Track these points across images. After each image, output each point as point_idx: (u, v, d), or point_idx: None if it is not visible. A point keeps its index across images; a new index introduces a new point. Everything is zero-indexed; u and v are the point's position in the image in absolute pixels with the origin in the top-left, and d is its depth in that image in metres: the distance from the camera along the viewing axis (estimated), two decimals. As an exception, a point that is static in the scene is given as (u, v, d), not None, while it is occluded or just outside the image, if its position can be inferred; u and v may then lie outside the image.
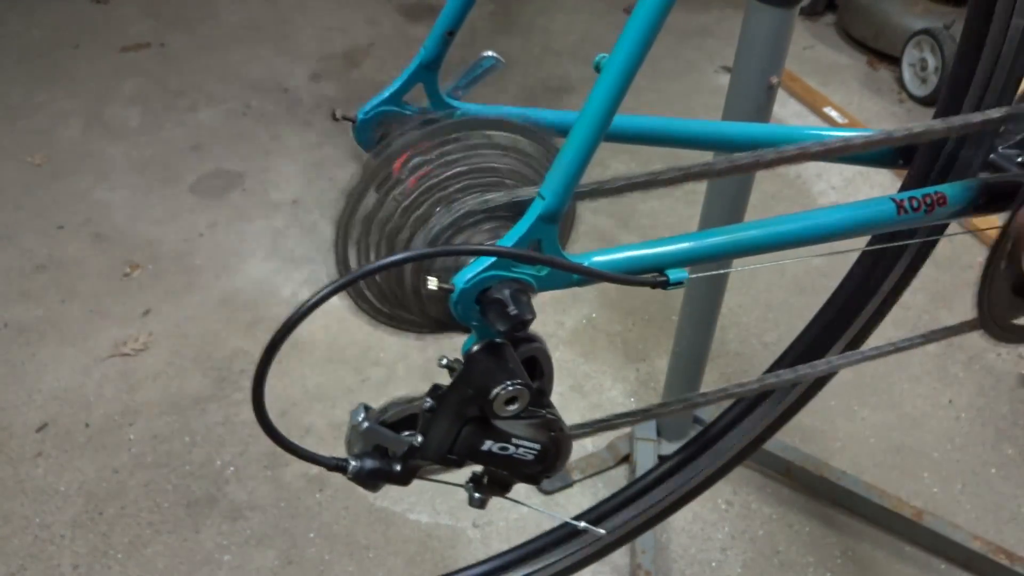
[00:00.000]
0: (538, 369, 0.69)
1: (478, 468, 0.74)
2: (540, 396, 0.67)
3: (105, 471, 1.79)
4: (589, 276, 0.69)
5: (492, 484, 0.73)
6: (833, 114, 2.99)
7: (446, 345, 0.78)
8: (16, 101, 2.99)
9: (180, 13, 3.59)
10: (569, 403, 1.95)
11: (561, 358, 2.05)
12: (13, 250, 2.36)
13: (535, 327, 0.67)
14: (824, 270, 2.26)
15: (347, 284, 0.59)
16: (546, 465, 0.72)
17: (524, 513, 1.72)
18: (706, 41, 3.49)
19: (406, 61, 0.83)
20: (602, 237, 2.45)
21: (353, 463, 0.67)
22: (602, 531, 0.96)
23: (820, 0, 3.68)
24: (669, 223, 2.51)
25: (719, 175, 0.73)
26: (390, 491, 0.72)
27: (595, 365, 2.05)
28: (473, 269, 0.64)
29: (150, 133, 2.86)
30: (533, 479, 0.73)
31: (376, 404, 0.72)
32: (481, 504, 0.75)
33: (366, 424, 0.67)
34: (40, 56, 3.27)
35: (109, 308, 2.18)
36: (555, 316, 2.16)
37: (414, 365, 2.03)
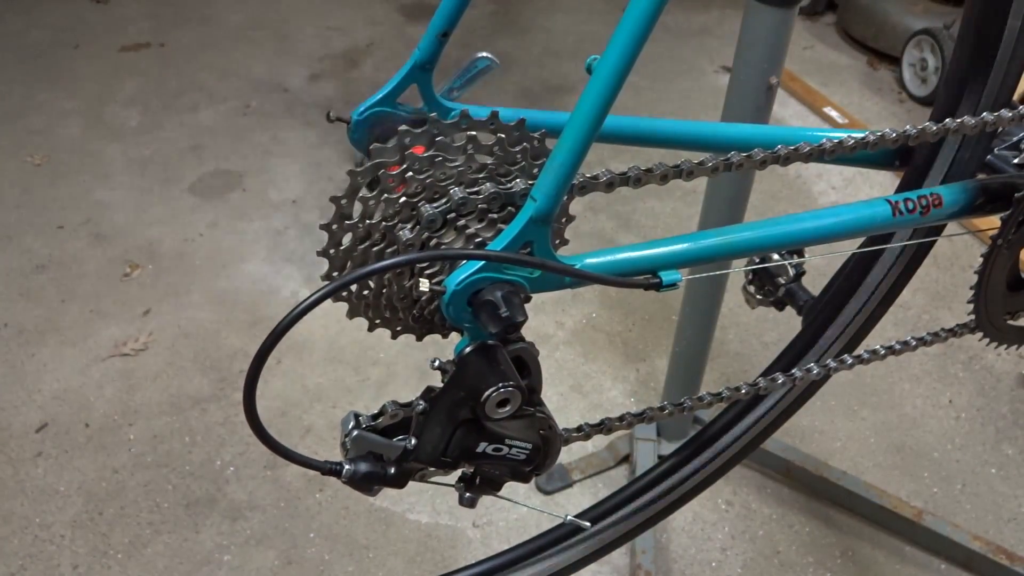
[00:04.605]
0: (526, 368, 0.69)
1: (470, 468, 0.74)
2: (530, 395, 0.67)
3: (105, 471, 1.79)
4: (581, 278, 0.69)
5: (483, 483, 0.73)
6: (833, 114, 2.99)
7: (445, 345, 0.78)
8: (16, 101, 3.00)
9: (180, 13, 3.59)
10: (569, 403, 1.95)
11: (561, 358, 2.05)
12: (13, 250, 2.36)
13: (533, 326, 0.67)
14: (824, 270, 2.25)
15: (335, 290, 0.59)
16: (537, 464, 0.72)
17: (524, 513, 1.72)
18: (706, 41, 3.49)
19: (405, 61, 0.83)
20: (602, 237, 2.44)
21: (347, 467, 0.67)
22: (587, 524, 0.96)
23: (820, 0, 3.67)
24: (670, 224, 2.51)
25: (710, 173, 0.73)
26: (389, 491, 0.72)
27: (595, 365, 2.05)
28: (464, 271, 0.64)
29: (150, 133, 2.86)
30: (524, 477, 0.73)
31: (375, 404, 0.72)
32: (471, 503, 0.75)
33: (356, 432, 0.67)
34: (40, 56, 3.27)
35: (109, 308, 2.19)
36: (555, 316, 2.16)
37: (414, 365, 2.03)
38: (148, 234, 2.43)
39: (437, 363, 0.70)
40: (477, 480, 0.73)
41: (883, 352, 0.95)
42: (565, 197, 0.67)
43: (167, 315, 2.17)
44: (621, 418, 0.86)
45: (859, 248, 1.03)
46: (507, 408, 0.65)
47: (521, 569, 1.12)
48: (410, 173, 0.67)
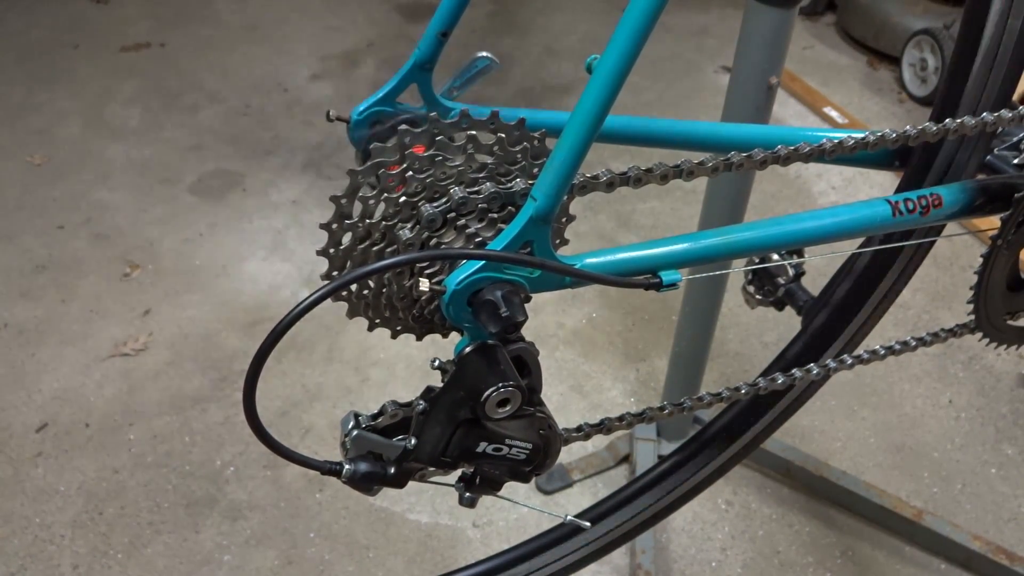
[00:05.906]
0: (526, 368, 0.69)
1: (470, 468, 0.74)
2: (530, 394, 0.67)
3: (105, 471, 1.79)
4: (581, 278, 0.69)
5: (483, 483, 0.73)
6: (833, 114, 2.99)
7: (445, 345, 0.77)
8: (16, 101, 3.00)
9: (180, 13, 3.60)
10: (569, 403, 1.95)
11: (561, 358, 2.05)
12: (13, 250, 2.36)
13: (533, 326, 0.67)
14: (824, 270, 2.25)
15: (335, 290, 0.59)
16: (537, 463, 0.72)
17: (524, 513, 1.72)
18: (706, 41, 3.49)
19: (405, 61, 0.84)
20: (602, 237, 2.44)
21: (347, 467, 0.67)
22: (587, 524, 0.96)
23: (820, 0, 3.67)
24: (670, 223, 2.50)
25: (710, 173, 0.73)
26: (389, 491, 0.72)
27: (595, 365, 2.05)
28: (464, 271, 0.64)
29: (150, 133, 2.86)
30: (524, 477, 0.73)
31: (375, 404, 0.72)
32: (471, 503, 0.75)
33: (356, 432, 0.67)
34: (40, 56, 3.27)
35: (109, 308, 2.19)
36: (555, 316, 2.16)
37: (414, 365, 2.03)
38: (148, 234, 2.43)
39: (437, 363, 0.70)
40: (477, 480, 0.73)
41: (883, 352, 0.95)
42: (565, 197, 0.67)
43: (167, 315, 2.17)
44: (621, 418, 0.86)
45: (859, 248, 1.03)
46: (507, 408, 0.65)
47: (521, 569, 1.12)
48: (410, 172, 0.66)
